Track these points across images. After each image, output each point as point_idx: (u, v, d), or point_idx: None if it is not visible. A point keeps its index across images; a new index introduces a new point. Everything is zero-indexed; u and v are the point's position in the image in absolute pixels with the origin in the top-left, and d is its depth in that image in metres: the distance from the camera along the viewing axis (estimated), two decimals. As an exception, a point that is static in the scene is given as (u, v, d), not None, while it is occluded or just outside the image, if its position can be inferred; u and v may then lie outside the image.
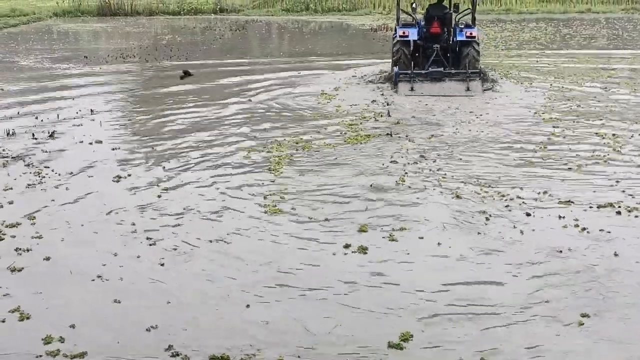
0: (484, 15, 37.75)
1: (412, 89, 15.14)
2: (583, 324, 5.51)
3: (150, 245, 7.12)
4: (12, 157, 10.34)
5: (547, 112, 13.29)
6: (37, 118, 13.04)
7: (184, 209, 8.11)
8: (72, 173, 9.52)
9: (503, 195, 8.43)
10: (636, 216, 7.84)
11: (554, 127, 11.98)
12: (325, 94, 15.47)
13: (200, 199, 8.49)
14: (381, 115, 13.00)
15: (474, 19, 16.62)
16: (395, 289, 6.16)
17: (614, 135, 11.38)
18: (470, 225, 7.57)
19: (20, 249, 7.02)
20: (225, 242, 7.21)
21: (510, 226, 7.54)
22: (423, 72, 15.52)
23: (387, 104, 14.10)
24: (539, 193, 8.53)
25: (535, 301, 5.89)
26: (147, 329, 5.49)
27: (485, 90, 15.33)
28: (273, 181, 9.12)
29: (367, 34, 30.19)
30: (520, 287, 6.15)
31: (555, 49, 23.73)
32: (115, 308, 5.86)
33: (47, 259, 6.79)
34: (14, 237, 7.34)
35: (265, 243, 7.19)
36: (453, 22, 16.39)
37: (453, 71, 15.63)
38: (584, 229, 7.44)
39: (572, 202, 8.20)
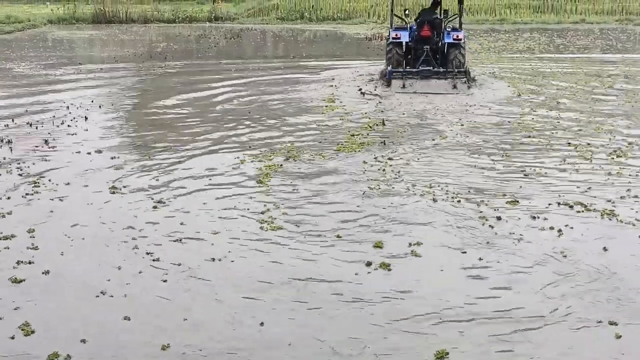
0: (478, 25, 37.85)
1: (403, 86, 16.47)
2: (620, 336, 5.49)
3: (154, 260, 6.93)
4: (7, 166, 10.27)
5: (525, 115, 13.84)
6: (31, 126, 12.98)
7: (181, 224, 7.91)
8: (68, 184, 9.37)
9: (485, 203, 8.53)
10: (588, 215, 8.22)
11: (529, 136, 12.10)
12: (319, 99, 15.59)
13: (196, 213, 8.27)
14: (377, 125, 12.99)
15: (460, 24, 18.10)
16: (426, 306, 5.99)
17: (588, 144, 11.49)
18: (471, 234, 7.59)
19: (21, 261, 6.86)
20: (228, 260, 7.00)
21: (508, 232, 7.63)
22: (414, 70, 16.91)
23: (382, 111, 14.21)
24: (505, 197, 8.64)
25: (565, 310, 5.90)
26: (162, 348, 5.32)
27: (469, 88, 16.60)
28: (267, 194, 8.94)
29: (362, 42, 30.24)
30: (543, 296, 6.16)
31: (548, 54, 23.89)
32: (125, 325, 5.70)
33: (47, 272, 6.62)
34: (9, 249, 7.19)
35: (275, 262, 6.95)
36: (442, 26, 17.67)
37: (441, 70, 16.92)
38: (559, 230, 7.66)
39: (537, 204, 8.51)
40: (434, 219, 8.05)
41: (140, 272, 6.67)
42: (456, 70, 16.75)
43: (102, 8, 40.04)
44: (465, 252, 7.12)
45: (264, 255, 7.12)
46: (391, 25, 18.58)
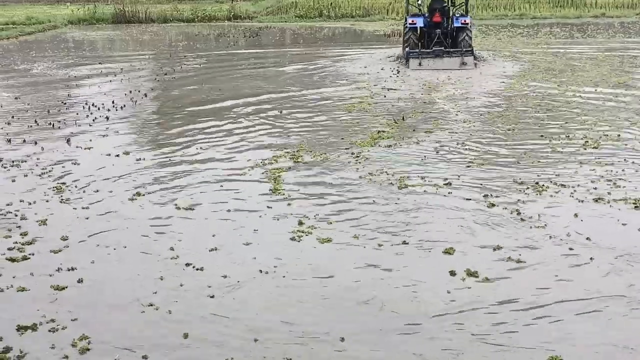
0: (497, 20, 37.74)
1: (420, 64, 19.48)
2: None
3: (195, 270, 6.61)
4: (33, 168, 10.39)
5: (514, 103, 14.62)
6: (54, 126, 13.12)
7: (213, 235, 7.50)
8: (97, 190, 9.12)
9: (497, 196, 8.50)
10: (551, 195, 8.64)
11: (508, 130, 12.20)
12: (343, 89, 15.77)
13: (223, 221, 7.96)
14: (395, 121, 12.98)
15: (467, 10, 21.37)
16: (534, 314, 5.73)
17: (567, 136, 11.58)
18: (509, 227, 7.60)
19: (61, 269, 6.68)
20: (279, 274, 6.51)
21: (527, 222, 7.63)
22: (428, 50, 19.94)
23: (399, 111, 14.17)
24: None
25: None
26: None
27: (475, 65, 19.65)
28: (290, 199, 8.58)
29: (381, 38, 30.27)
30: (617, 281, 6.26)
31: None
32: (185, 342, 5.38)
33: (86, 281, 6.43)
34: (44, 255, 7.05)
35: (338, 276, 6.43)
36: (451, 12, 20.93)
37: (451, 50, 19.84)
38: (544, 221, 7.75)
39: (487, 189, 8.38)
40: (478, 218, 7.95)
41: (181, 285, 6.33)
42: (464, 49, 19.73)
43: (121, 8, 40.31)
44: (573, 250, 6.94)
45: (321, 267, 6.65)
46: (407, 13, 21.74)
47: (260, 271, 6.60)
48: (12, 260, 6.99)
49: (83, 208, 8.51)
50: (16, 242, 7.43)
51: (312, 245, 7.25)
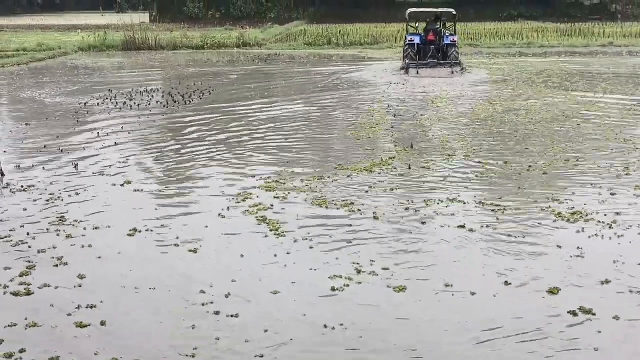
0: (506, 48, 37.84)
1: (417, 73, 24.71)
2: None
3: (228, 316, 6.05)
4: (42, 193, 10.46)
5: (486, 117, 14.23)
6: (62, 151, 13.20)
7: (232, 280, 6.99)
8: (97, 227, 8.83)
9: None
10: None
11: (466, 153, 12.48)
12: (346, 109, 15.68)
13: (236, 265, 7.40)
14: (405, 148, 13.00)
15: (455, 31, 26.89)
16: None
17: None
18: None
19: (79, 306, 6.47)
20: (350, 332, 5.58)
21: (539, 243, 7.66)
22: (424, 62, 25.31)
23: (411, 139, 14.18)
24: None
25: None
26: None
27: (462, 73, 24.76)
28: (312, 247, 7.88)
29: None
30: None
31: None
32: None
33: (104, 322, 6.12)
34: (63, 294, 6.79)
35: (438, 336, 5.53)
36: (442, 32, 26.21)
37: (443, 61, 25.34)
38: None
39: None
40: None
41: (217, 339, 5.72)
42: (452, 61, 25.19)
43: (131, 35, 40.59)
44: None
45: (409, 328, 5.73)
46: (407, 32, 27.45)
47: (325, 326, 5.68)
48: (16, 294, 6.82)
49: (85, 246, 8.22)
50: (16, 276, 7.26)
51: (383, 295, 6.39)
